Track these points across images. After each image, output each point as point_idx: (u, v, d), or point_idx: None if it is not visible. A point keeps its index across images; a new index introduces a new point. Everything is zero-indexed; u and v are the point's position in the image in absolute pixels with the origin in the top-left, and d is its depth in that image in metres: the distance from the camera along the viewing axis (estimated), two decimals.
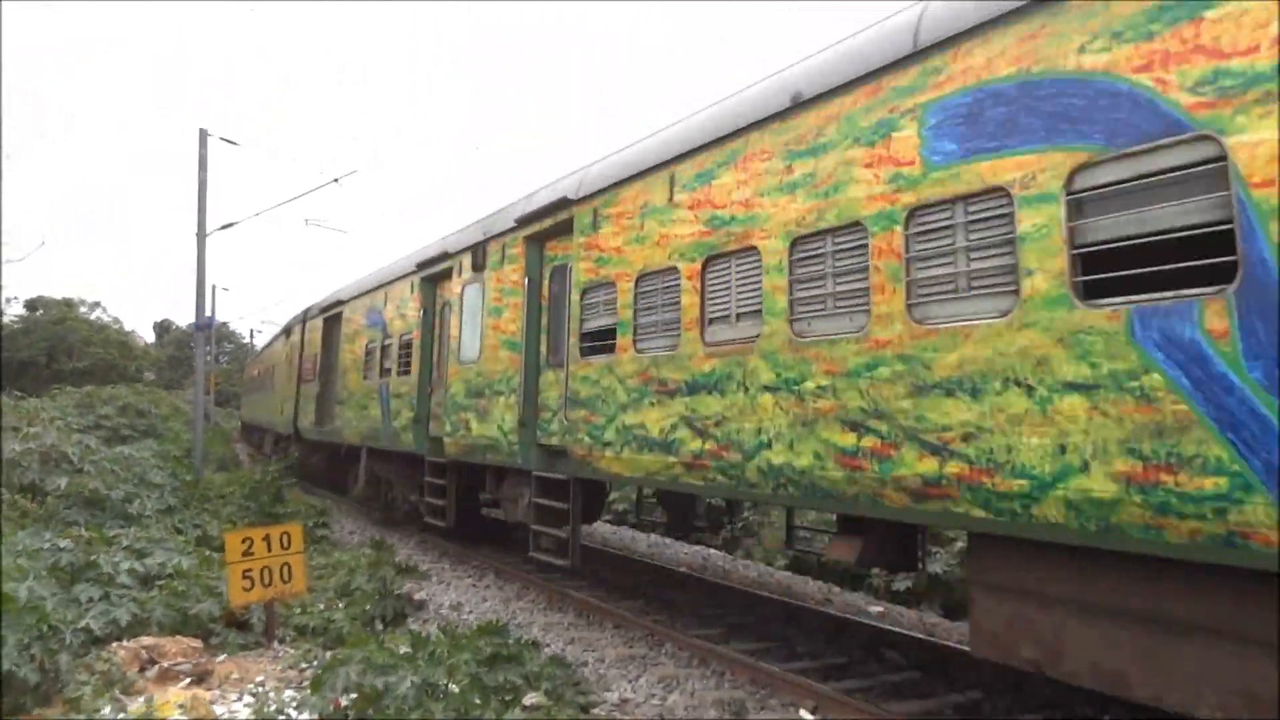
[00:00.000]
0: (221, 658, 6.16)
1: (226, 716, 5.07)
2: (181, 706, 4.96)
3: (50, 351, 44.00)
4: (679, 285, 6.48)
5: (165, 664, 5.72)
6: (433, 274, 11.75)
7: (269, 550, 6.72)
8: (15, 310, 46.27)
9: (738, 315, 5.94)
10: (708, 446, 5.99)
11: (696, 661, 6.88)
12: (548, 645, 7.33)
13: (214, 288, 32.53)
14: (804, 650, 7.18)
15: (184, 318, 68.89)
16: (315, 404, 17.45)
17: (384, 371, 13.29)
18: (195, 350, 19.53)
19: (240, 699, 5.39)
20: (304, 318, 20.15)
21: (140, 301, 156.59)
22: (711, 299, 6.19)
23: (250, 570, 6.60)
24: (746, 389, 5.66)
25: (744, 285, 5.90)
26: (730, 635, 7.61)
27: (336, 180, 18.75)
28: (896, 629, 7.69)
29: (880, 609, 9.10)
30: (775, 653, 7.05)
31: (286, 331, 22.76)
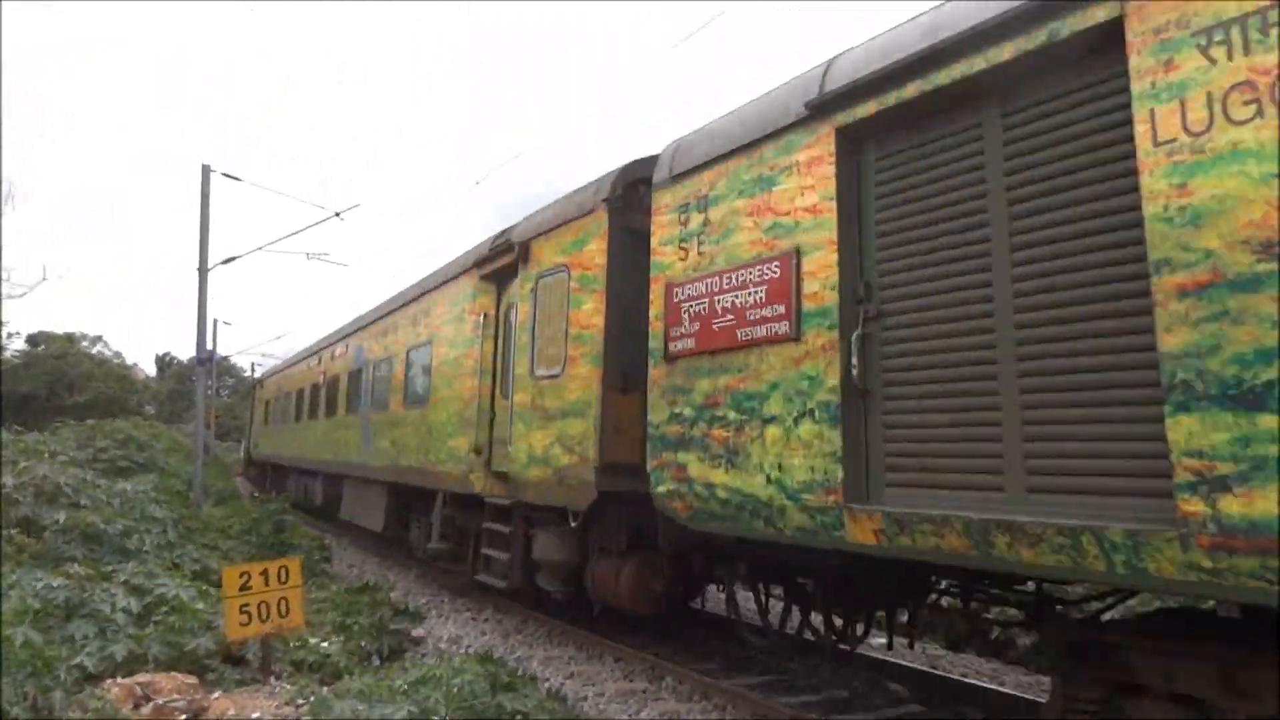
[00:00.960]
0: (217, 694, 6.09)
1: None
2: None
3: (51, 386, 44.04)
4: None
5: (160, 700, 5.66)
6: None
7: (267, 584, 6.67)
8: (17, 345, 46.43)
9: None
10: None
11: (698, 696, 6.80)
12: (547, 679, 7.26)
13: (215, 321, 32.30)
14: (805, 684, 7.10)
15: (186, 351, 69.05)
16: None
17: None
18: (196, 384, 19.54)
19: None
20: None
21: (142, 335, 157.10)
22: None
23: (248, 605, 6.54)
24: None
25: None
26: (731, 669, 7.53)
27: (339, 215, 18.91)
28: (899, 661, 7.62)
29: (883, 640, 9.02)
30: (777, 686, 6.97)
31: (486, 265, 9.74)
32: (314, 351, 20.82)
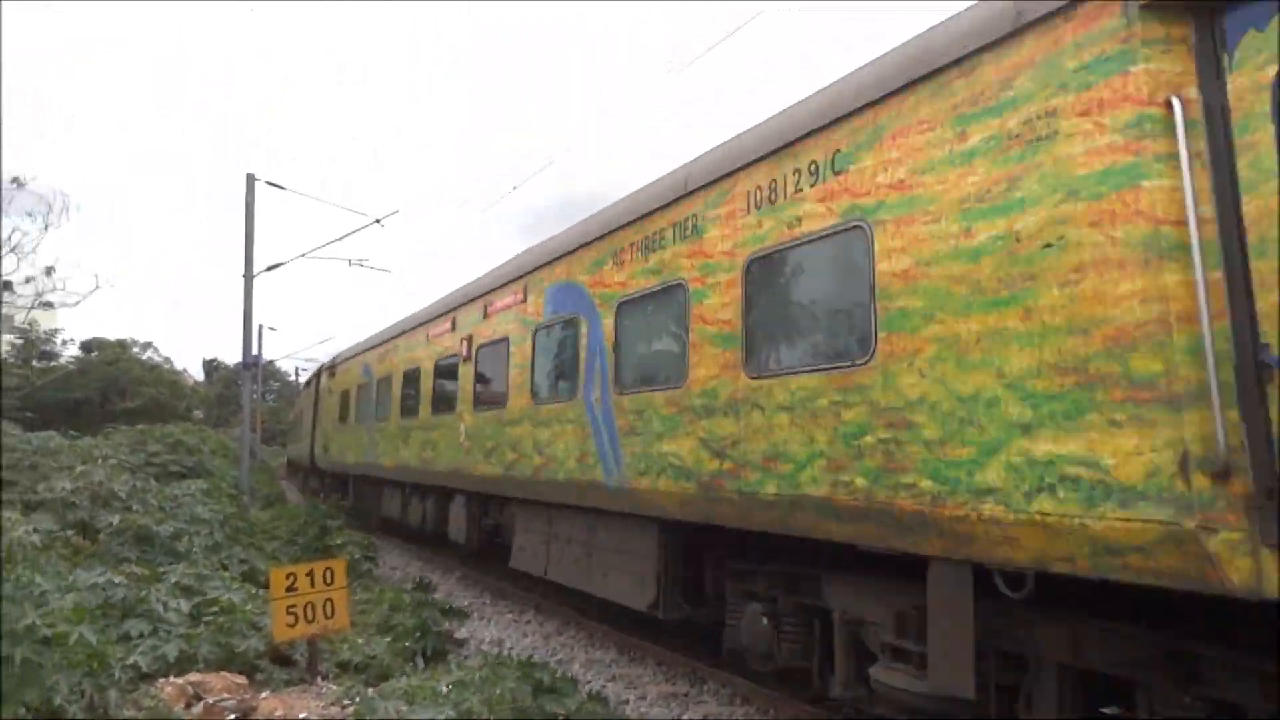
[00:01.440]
0: (266, 694, 6.19)
1: None
2: None
3: (104, 391, 45.20)
4: None
5: (211, 700, 5.76)
6: None
7: (312, 585, 6.77)
8: (72, 351, 47.81)
9: None
10: None
11: (740, 700, 6.76)
12: (588, 682, 7.26)
13: (260, 327, 32.97)
14: None
15: (232, 356, 70.40)
16: None
17: None
18: (243, 388, 19.93)
19: None
20: None
21: (190, 340, 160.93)
22: None
23: (294, 606, 6.64)
24: None
25: None
26: (774, 672, 7.45)
27: (379, 221, 19.22)
28: None
29: None
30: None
31: None
32: (441, 312, 13.73)
